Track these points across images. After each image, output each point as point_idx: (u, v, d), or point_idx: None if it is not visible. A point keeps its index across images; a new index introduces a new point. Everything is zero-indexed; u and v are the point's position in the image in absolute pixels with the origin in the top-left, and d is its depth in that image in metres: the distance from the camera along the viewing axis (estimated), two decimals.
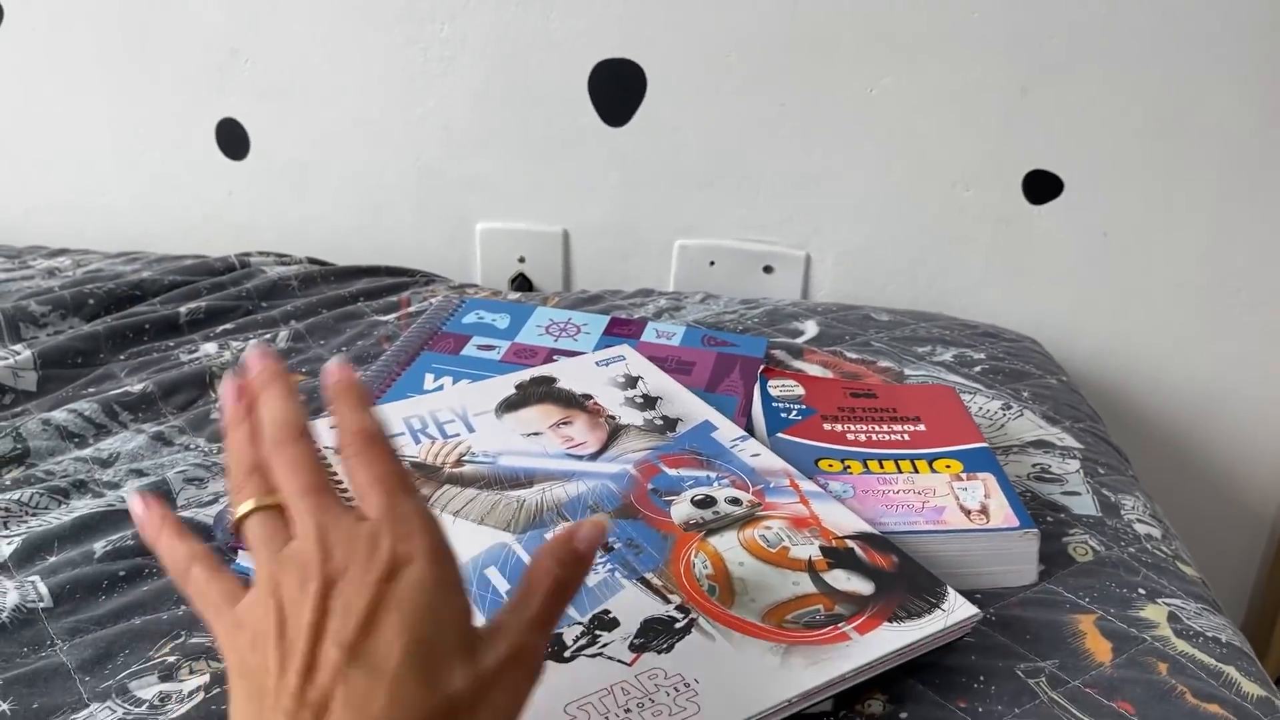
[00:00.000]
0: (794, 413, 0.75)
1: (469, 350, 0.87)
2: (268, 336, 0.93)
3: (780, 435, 0.72)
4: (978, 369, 0.91)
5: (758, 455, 0.68)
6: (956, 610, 0.55)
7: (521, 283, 1.20)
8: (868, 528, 0.61)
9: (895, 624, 0.54)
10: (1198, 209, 1.07)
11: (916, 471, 0.68)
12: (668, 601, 0.55)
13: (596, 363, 0.79)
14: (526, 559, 0.57)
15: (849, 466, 0.69)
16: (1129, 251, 1.10)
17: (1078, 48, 1.03)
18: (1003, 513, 0.64)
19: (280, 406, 0.43)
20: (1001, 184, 1.09)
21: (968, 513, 0.64)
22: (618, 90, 1.11)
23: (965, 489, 0.66)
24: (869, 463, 0.69)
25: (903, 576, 0.57)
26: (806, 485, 0.65)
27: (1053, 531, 0.67)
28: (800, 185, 1.13)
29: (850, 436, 0.73)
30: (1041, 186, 1.09)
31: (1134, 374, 1.15)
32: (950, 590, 0.56)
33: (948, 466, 0.69)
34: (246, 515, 0.41)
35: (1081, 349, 1.14)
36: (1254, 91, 1.02)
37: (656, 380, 0.77)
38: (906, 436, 0.73)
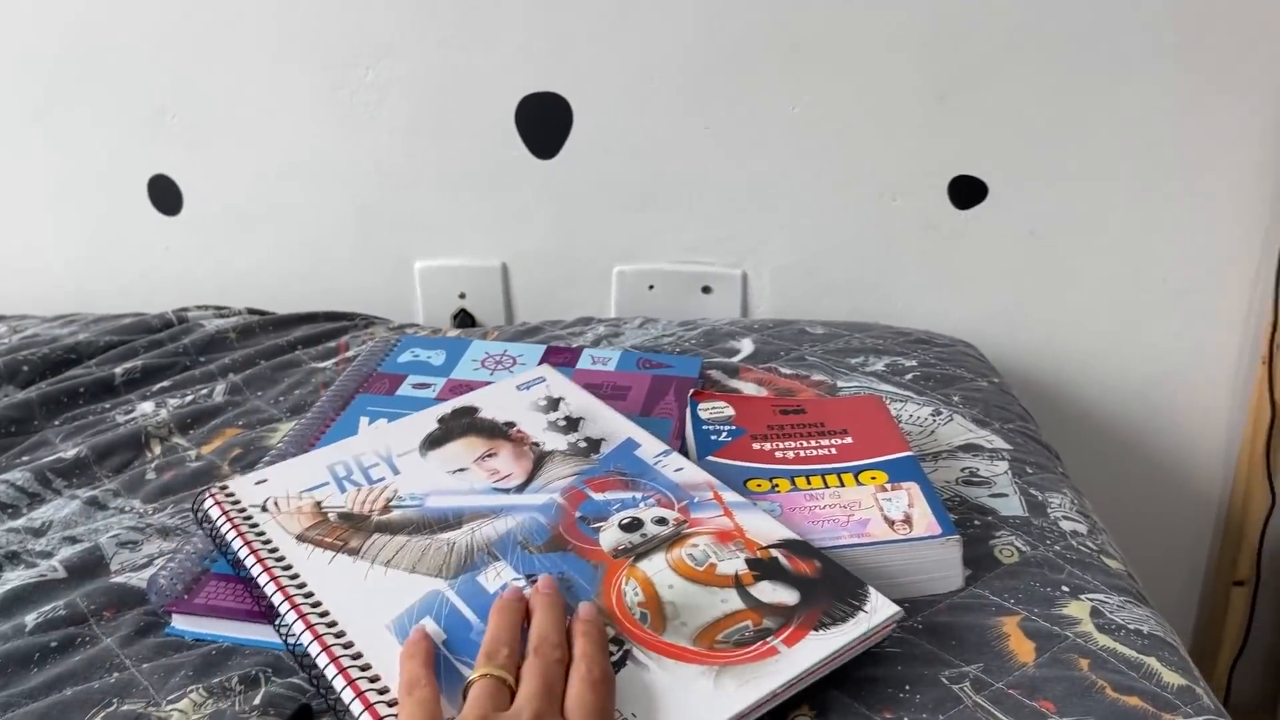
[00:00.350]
0: (724, 434, 0.76)
1: (404, 390, 0.88)
2: (204, 391, 0.93)
3: (710, 458, 0.73)
4: (909, 376, 0.92)
5: (681, 470, 0.69)
6: (879, 610, 0.56)
7: (463, 318, 1.20)
8: (790, 534, 0.62)
9: (821, 631, 0.55)
10: (1120, 202, 1.09)
11: (843, 485, 0.69)
12: None
13: (518, 387, 0.79)
14: (460, 605, 0.58)
15: (777, 485, 0.70)
16: (1057, 248, 1.12)
17: (988, 53, 1.05)
18: (925, 521, 0.65)
19: (553, 625, 0.54)
20: (927, 191, 1.11)
21: (891, 523, 0.65)
22: (545, 122, 1.12)
23: (890, 499, 0.67)
24: (796, 480, 0.70)
25: (826, 581, 0.59)
26: (730, 496, 0.66)
27: (980, 535, 0.69)
28: (732, 205, 1.14)
29: (779, 454, 0.74)
30: (967, 191, 1.11)
31: (1072, 367, 1.17)
32: (872, 591, 0.58)
33: (873, 478, 0.70)
34: (482, 676, 0.51)
35: (1018, 347, 1.16)
36: (1167, 82, 1.04)
37: (578, 400, 0.78)
38: (834, 450, 0.74)
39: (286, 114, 1.14)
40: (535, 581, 0.59)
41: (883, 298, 1.16)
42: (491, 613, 0.55)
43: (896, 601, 0.62)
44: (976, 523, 0.70)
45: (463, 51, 1.10)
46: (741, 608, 0.57)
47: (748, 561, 0.60)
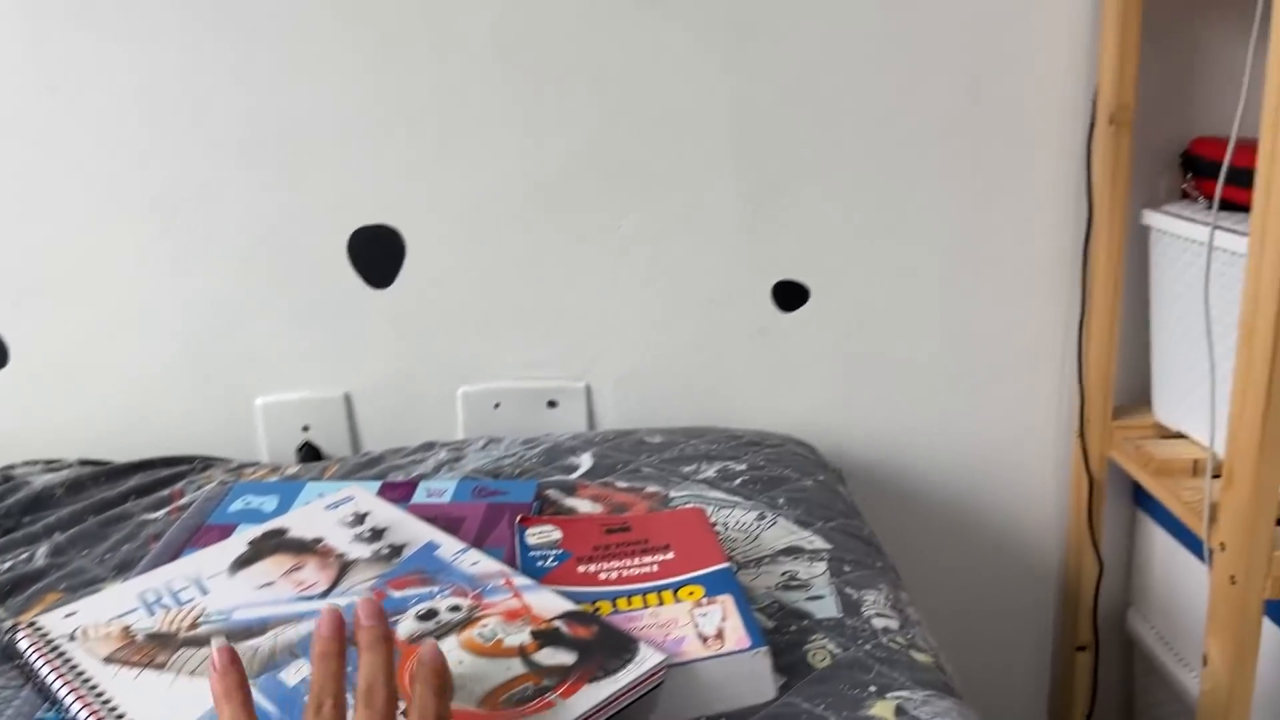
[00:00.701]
0: (550, 559, 0.78)
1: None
2: (25, 555, 0.90)
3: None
4: (738, 481, 0.95)
5: (477, 563, 0.74)
6: (647, 661, 0.63)
7: (308, 452, 1.20)
8: (572, 606, 0.68)
9: (595, 683, 0.61)
10: (931, 295, 1.16)
11: (661, 603, 0.71)
12: None
13: (326, 507, 0.84)
14: (262, 700, 0.61)
15: (599, 608, 0.71)
16: (878, 342, 1.18)
17: (794, 165, 1.12)
18: (736, 635, 0.67)
19: (380, 668, 0.55)
20: (753, 296, 1.16)
21: (705, 640, 0.67)
22: (378, 253, 1.14)
23: (704, 614, 0.69)
24: (618, 601, 0.72)
25: (601, 643, 0.65)
26: (520, 580, 0.72)
27: (795, 640, 0.71)
28: (571, 320, 1.17)
29: (603, 576, 0.75)
30: (790, 295, 1.16)
31: (906, 453, 1.22)
32: (642, 645, 0.64)
33: (691, 593, 0.72)
34: None
35: (853, 438, 1.21)
36: (962, 180, 1.12)
37: (384, 513, 0.83)
38: (655, 567, 0.76)
39: (112, 259, 1.13)
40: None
41: (721, 400, 1.20)
42: (313, 660, 0.56)
43: (712, 717, 0.64)
44: (793, 628, 0.73)
45: (289, 189, 1.12)
46: (524, 671, 0.63)
47: (532, 633, 0.66)
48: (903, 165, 1.12)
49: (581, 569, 0.76)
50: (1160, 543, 1.15)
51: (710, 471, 0.98)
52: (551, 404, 1.20)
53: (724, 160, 1.11)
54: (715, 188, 1.12)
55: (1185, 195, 1.10)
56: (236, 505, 0.92)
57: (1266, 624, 0.97)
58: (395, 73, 1.09)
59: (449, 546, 0.77)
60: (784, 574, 0.80)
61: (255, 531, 0.81)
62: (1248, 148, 0.94)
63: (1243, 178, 0.95)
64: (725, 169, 1.12)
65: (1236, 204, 0.99)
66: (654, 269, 1.15)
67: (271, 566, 0.76)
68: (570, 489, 0.96)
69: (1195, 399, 1.05)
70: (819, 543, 0.84)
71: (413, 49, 1.08)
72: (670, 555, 0.77)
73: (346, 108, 1.09)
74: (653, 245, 1.14)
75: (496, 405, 1.20)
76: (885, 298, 1.16)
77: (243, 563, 0.77)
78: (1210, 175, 1.04)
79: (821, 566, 0.80)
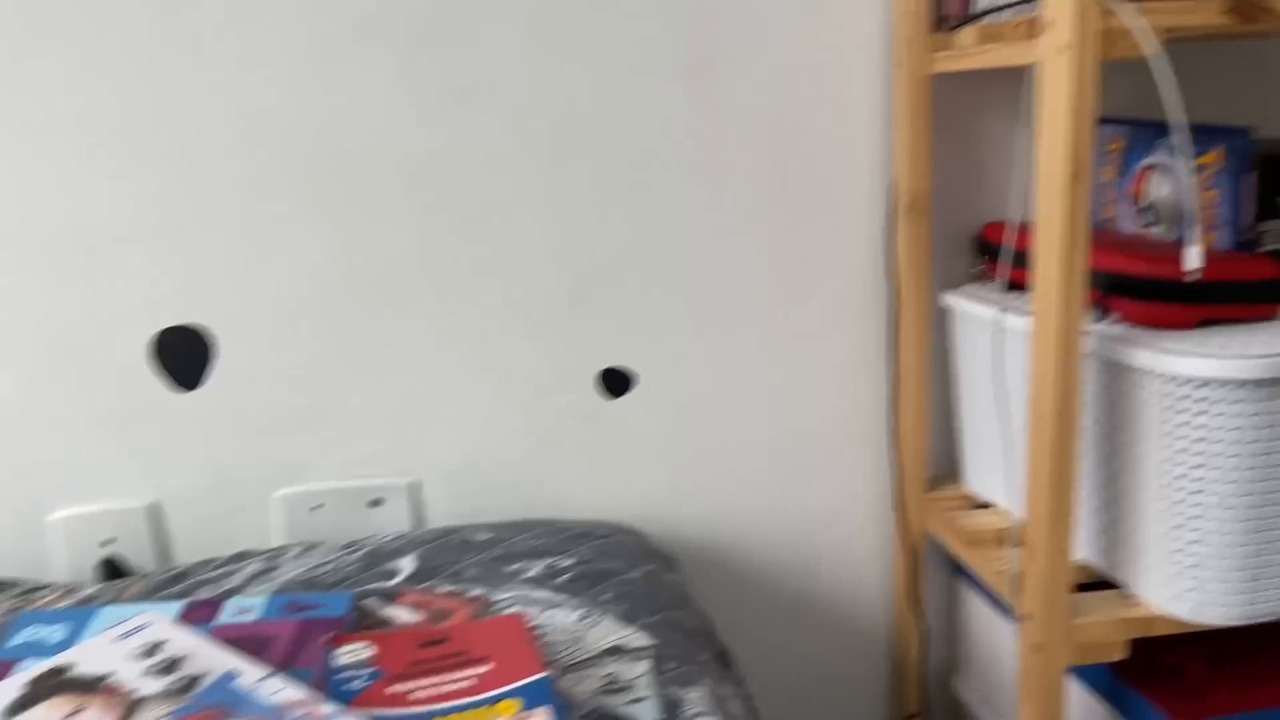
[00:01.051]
0: (360, 679, 0.74)
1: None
2: None
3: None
4: (564, 578, 0.94)
5: (279, 691, 0.71)
6: None
7: (108, 569, 1.12)
8: None
9: None
10: (753, 375, 1.19)
11: None
12: None
13: (117, 638, 0.79)
14: None
15: None
16: (706, 424, 1.19)
17: (614, 253, 1.13)
18: None
19: None
20: (577, 385, 1.16)
21: None
22: (185, 354, 1.09)
23: None
24: None
25: None
26: (325, 708, 0.69)
27: None
28: (394, 416, 1.14)
29: (415, 695, 0.72)
30: (616, 382, 1.17)
31: (739, 532, 1.23)
32: None
33: (509, 707, 0.70)
34: None
35: (685, 522, 1.21)
36: (772, 264, 1.16)
37: (181, 641, 0.79)
38: (473, 681, 0.73)
39: None
40: None
41: (551, 491, 1.18)
42: None
43: None
44: None
45: (86, 290, 1.06)
46: None
47: None
48: (718, 254, 1.15)
49: (391, 689, 0.73)
50: (979, 610, 1.20)
51: (536, 569, 0.96)
52: (375, 503, 1.17)
53: (545, 250, 1.12)
54: (537, 278, 1.13)
55: (981, 277, 1.16)
56: (21, 638, 0.85)
57: (1076, 688, 1.02)
58: (199, 167, 1.05)
59: (250, 674, 0.73)
60: (606, 676, 0.78)
61: (37, 670, 0.75)
62: (1031, 231, 1.00)
63: (1029, 260, 1.01)
64: (546, 259, 1.12)
65: (1025, 285, 1.05)
66: (477, 361, 1.14)
67: (49, 712, 0.70)
68: (390, 597, 0.93)
69: (999, 470, 1.10)
70: (642, 640, 0.83)
71: (217, 143, 1.05)
72: (489, 666, 0.75)
73: (146, 204, 1.05)
74: (476, 337, 1.13)
75: (317, 507, 1.16)
76: (709, 381, 1.18)
77: (18, 708, 0.70)
78: (1000, 258, 1.10)
79: (644, 666, 0.80)
